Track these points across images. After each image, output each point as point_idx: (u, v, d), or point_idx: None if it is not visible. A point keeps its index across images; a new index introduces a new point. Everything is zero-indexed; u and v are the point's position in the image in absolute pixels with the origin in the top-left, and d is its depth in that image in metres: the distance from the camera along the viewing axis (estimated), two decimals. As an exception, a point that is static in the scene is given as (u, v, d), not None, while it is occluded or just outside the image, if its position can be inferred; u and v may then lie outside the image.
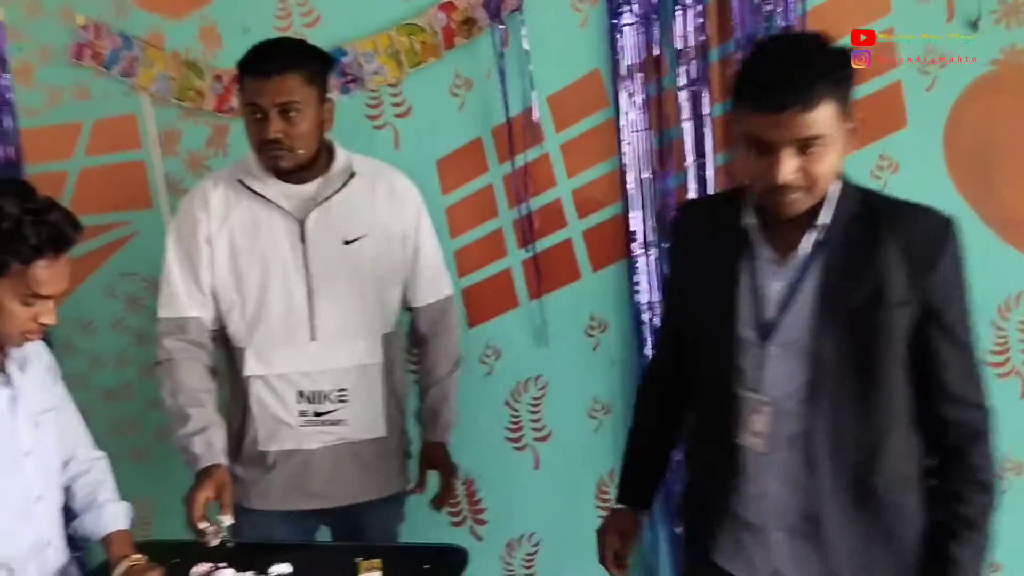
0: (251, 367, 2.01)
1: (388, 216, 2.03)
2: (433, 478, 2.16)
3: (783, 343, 1.47)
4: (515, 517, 2.55)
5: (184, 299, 2.00)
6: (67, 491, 1.92)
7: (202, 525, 1.83)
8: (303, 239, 1.98)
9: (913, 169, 2.19)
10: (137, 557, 1.89)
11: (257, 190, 1.97)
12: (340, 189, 1.99)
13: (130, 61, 2.50)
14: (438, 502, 2.17)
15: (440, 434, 2.15)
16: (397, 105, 2.40)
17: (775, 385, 1.48)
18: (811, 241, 1.45)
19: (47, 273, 1.67)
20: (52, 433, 1.86)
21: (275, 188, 1.97)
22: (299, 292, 1.98)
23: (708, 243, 1.57)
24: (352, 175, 1.99)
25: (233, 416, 2.08)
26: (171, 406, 1.97)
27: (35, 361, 1.84)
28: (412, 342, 2.21)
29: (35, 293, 1.67)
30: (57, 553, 1.84)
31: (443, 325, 2.16)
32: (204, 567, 1.81)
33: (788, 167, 1.36)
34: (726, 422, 1.52)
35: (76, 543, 1.95)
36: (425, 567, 1.85)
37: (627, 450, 1.81)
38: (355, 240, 2.01)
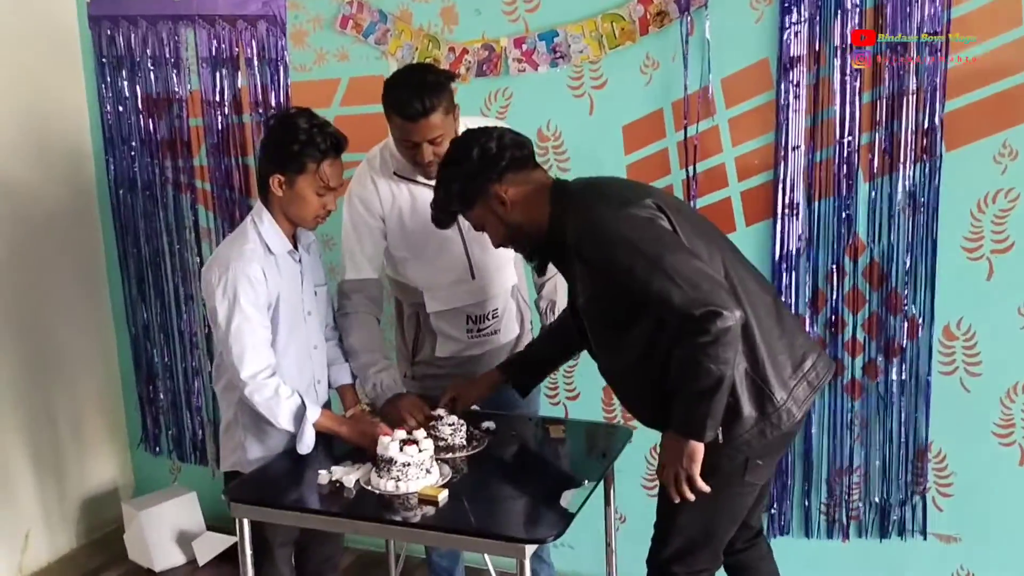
0: (431, 305, 2.45)
1: None
2: None
3: None
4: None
5: (365, 264, 2.41)
6: None
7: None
8: None
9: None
10: (362, 407, 2.37)
11: (411, 177, 2.38)
12: None
13: (383, 32, 3.00)
14: None
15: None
16: (595, 79, 2.79)
17: None
18: None
19: (331, 170, 2.16)
20: (324, 301, 2.41)
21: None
22: (456, 244, 2.41)
23: None
24: None
25: (407, 332, 2.57)
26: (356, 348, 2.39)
27: (314, 247, 2.39)
28: None
29: (325, 185, 2.16)
30: (324, 389, 2.39)
31: None
32: (441, 410, 2.26)
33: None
34: None
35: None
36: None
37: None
38: None
